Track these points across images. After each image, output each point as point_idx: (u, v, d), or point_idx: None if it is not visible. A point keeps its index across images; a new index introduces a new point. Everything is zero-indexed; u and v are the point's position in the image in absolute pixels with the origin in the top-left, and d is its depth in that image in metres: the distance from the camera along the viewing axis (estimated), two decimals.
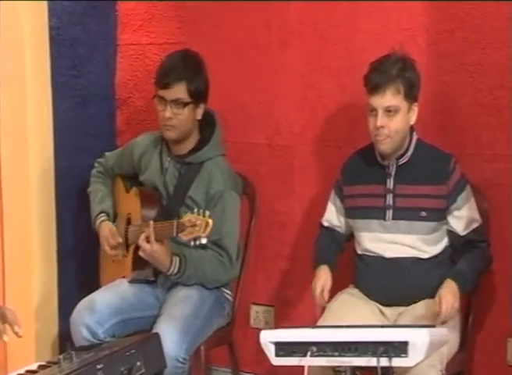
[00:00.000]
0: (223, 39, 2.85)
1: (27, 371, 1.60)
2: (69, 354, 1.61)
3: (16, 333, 1.62)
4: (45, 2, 2.68)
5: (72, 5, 2.86)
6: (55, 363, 1.61)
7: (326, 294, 2.22)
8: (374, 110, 2.18)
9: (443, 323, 2.05)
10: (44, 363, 1.64)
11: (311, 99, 2.73)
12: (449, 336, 1.95)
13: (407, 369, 1.83)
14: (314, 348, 1.71)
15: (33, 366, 1.63)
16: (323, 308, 2.23)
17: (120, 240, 2.53)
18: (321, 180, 2.72)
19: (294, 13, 2.72)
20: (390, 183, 2.26)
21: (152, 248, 2.30)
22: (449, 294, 2.08)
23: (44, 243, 2.73)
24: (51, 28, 2.72)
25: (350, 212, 2.34)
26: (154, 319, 2.37)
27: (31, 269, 2.67)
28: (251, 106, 2.83)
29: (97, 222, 2.58)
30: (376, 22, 2.57)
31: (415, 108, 2.22)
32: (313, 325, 2.07)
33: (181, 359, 2.23)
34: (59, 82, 2.77)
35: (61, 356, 1.61)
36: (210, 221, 2.17)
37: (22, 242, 2.67)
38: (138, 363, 1.62)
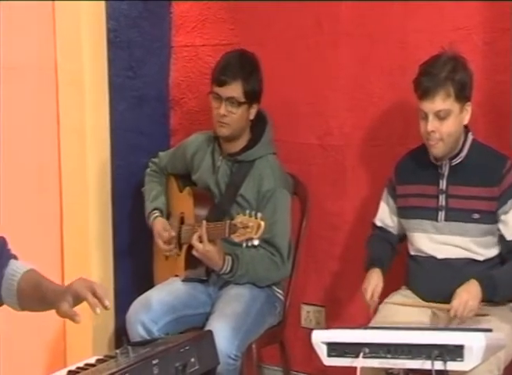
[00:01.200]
0: (275, 39, 2.85)
1: (86, 364, 1.61)
2: (125, 349, 1.62)
3: (105, 307, 1.65)
4: (103, 5, 2.72)
5: (128, 8, 2.90)
6: (112, 357, 1.62)
7: (376, 298, 2.19)
8: (425, 114, 2.15)
9: (460, 322, 1.99)
10: (101, 357, 1.65)
11: (361, 99, 2.70)
12: (506, 340, 1.90)
13: (463, 373, 1.78)
14: (367, 350, 1.69)
15: (92, 360, 1.64)
16: (375, 309, 2.20)
17: (173, 234, 2.56)
18: (372, 180, 2.68)
19: (345, 13, 2.69)
20: (443, 183, 2.22)
21: (205, 248, 2.31)
22: (464, 292, 2.03)
23: (101, 241, 2.77)
24: (108, 30, 2.76)
25: (403, 212, 2.31)
26: (207, 317, 2.39)
27: (89, 267, 2.72)
28: (302, 106, 2.82)
29: (151, 218, 2.62)
30: (430, 21, 2.52)
31: (468, 108, 2.17)
32: (365, 326, 2.05)
33: (233, 356, 2.24)
34: (116, 83, 2.81)
35: (118, 351, 1.61)
36: (262, 223, 2.17)
37: (80, 240, 2.73)
38: (192, 359, 1.61)
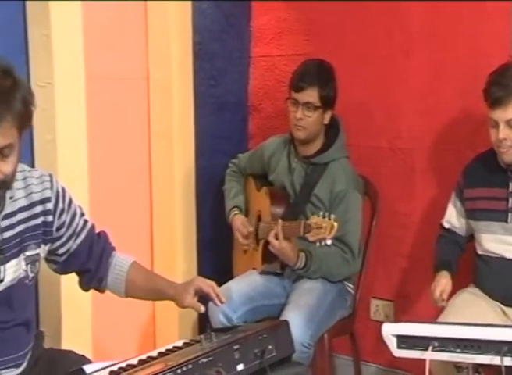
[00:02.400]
0: (348, 49, 2.82)
1: (174, 347, 1.65)
2: (209, 334, 1.65)
3: (222, 302, 1.82)
4: (190, 20, 2.77)
5: (212, 23, 2.94)
6: (197, 342, 1.65)
7: (445, 297, 2.14)
8: (495, 123, 2.08)
9: None
10: (187, 341, 1.69)
11: (431, 105, 2.64)
12: None
13: None
14: (436, 343, 1.65)
15: (179, 343, 1.68)
16: (443, 307, 2.15)
17: (251, 229, 2.58)
18: (440, 182, 2.62)
19: (417, 23, 2.64)
20: None
21: (280, 245, 2.32)
22: None
23: (186, 235, 2.82)
24: (194, 44, 2.80)
25: (471, 214, 2.24)
26: (281, 308, 2.40)
27: (175, 259, 2.77)
28: (374, 111, 2.78)
29: (231, 215, 2.65)
30: (501, 27, 2.44)
31: None
32: (434, 321, 2.00)
33: (306, 345, 2.24)
34: (200, 91, 2.86)
35: (202, 336, 1.64)
36: (335, 224, 2.16)
37: (167, 234, 2.78)
38: (270, 347, 1.62)
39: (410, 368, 2.62)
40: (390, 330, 1.74)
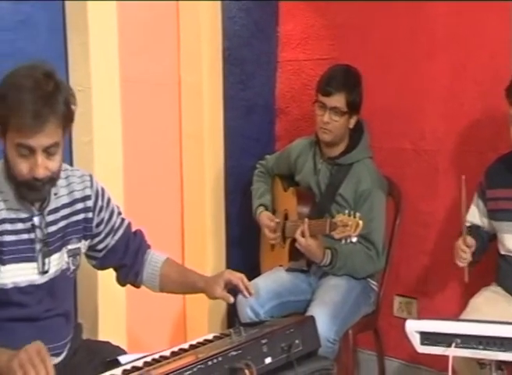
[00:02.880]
0: (372, 53, 2.81)
1: (205, 340, 1.66)
2: (238, 328, 1.65)
3: (250, 294, 1.83)
4: (220, 26, 2.77)
5: (241, 29, 2.95)
6: (226, 335, 1.66)
7: (469, 256, 2.08)
8: None
9: None
10: (217, 335, 1.70)
11: (454, 107, 2.61)
12: None
13: None
14: (459, 340, 1.63)
15: (209, 336, 1.69)
16: (467, 304, 2.12)
17: (278, 220, 2.58)
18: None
19: (439, 26, 2.62)
20: None
21: (307, 243, 2.31)
22: None
23: (215, 233, 2.83)
24: (224, 49, 2.81)
25: (493, 215, 2.21)
26: (307, 304, 2.39)
27: (204, 256, 2.78)
28: (397, 114, 2.76)
29: (258, 212, 2.65)
30: None
31: None
32: (457, 318, 1.98)
33: (331, 340, 2.23)
34: (229, 95, 2.86)
35: (231, 330, 1.65)
36: (360, 222, 2.15)
37: (198, 231, 2.79)
38: (296, 341, 1.62)
39: (432, 364, 2.60)
40: (414, 327, 1.72)
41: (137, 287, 1.93)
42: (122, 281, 1.91)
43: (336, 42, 2.93)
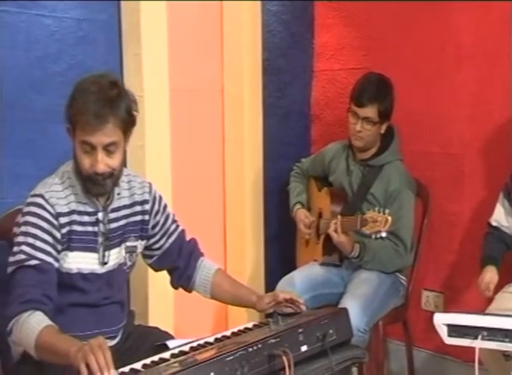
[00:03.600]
0: (402, 63, 2.77)
1: (245, 328, 1.67)
2: (276, 318, 1.65)
3: (301, 309, 1.77)
4: (260, 39, 2.78)
5: (280, 41, 2.95)
6: (265, 324, 1.66)
7: (491, 288, 2.07)
8: None
9: None
10: (257, 323, 1.70)
11: (480, 114, 2.56)
12: None
13: None
14: (485, 333, 1.60)
15: (249, 325, 1.69)
16: (491, 300, 2.08)
17: (313, 218, 2.57)
18: (488, 185, 2.53)
19: (468, 38, 2.57)
20: None
21: (339, 239, 2.31)
22: None
23: (255, 230, 2.83)
24: (263, 60, 2.82)
25: None
26: (339, 296, 2.38)
27: (244, 251, 2.80)
28: (426, 119, 2.72)
29: (294, 209, 2.65)
30: None
31: None
32: (483, 312, 1.94)
33: (362, 330, 2.21)
34: (268, 102, 2.87)
35: (270, 319, 1.65)
36: (389, 218, 2.13)
37: (238, 229, 2.81)
38: (331, 331, 1.61)
39: (458, 354, 2.55)
40: (442, 320, 1.70)
41: (189, 291, 1.92)
42: (175, 284, 1.92)
43: (369, 53, 2.91)
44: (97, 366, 1.30)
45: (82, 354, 1.33)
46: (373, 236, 2.20)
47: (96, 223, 1.71)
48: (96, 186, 1.66)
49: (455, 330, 1.67)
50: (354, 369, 1.68)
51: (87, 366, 1.31)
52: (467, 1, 2.54)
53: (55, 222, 1.64)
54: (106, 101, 1.60)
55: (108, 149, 1.63)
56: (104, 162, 1.62)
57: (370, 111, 2.40)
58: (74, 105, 1.62)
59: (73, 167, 1.70)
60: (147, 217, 1.82)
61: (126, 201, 1.78)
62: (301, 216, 2.61)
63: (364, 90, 2.43)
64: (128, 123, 1.66)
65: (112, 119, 1.60)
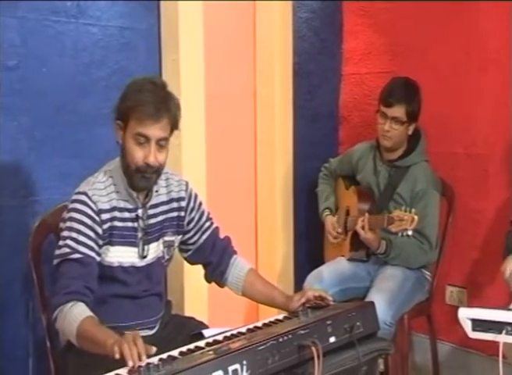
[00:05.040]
0: (428, 67, 2.72)
1: (276, 319, 1.67)
2: (305, 310, 1.66)
3: (328, 304, 1.74)
4: (291, 44, 2.77)
5: (309, 46, 2.93)
6: (295, 316, 1.66)
7: None
8: None
9: None
10: (287, 315, 1.71)
11: (503, 116, 2.51)
12: None
13: None
14: (509, 328, 1.56)
15: (280, 317, 1.69)
16: None
17: (339, 230, 2.55)
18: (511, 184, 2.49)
19: (492, 42, 2.51)
20: None
21: (366, 236, 2.29)
22: None
23: (285, 226, 2.83)
24: (294, 64, 2.81)
25: None
26: (366, 290, 2.36)
27: (275, 246, 2.79)
28: (452, 122, 2.67)
29: (323, 215, 2.63)
30: None
31: None
32: (507, 307, 1.89)
33: (388, 323, 2.19)
34: (298, 105, 2.85)
35: (299, 312, 1.65)
36: (415, 217, 2.11)
37: (269, 226, 2.81)
38: (358, 323, 1.60)
39: (482, 348, 2.50)
40: (466, 314, 1.66)
41: (221, 286, 1.91)
42: (208, 278, 1.91)
43: (395, 57, 2.87)
44: (130, 355, 1.32)
45: (118, 344, 1.35)
46: (399, 234, 2.17)
47: (136, 218, 1.72)
48: (143, 179, 1.66)
49: (479, 324, 1.63)
50: (380, 361, 1.67)
51: (121, 356, 1.33)
52: (492, 1, 2.47)
53: (97, 218, 1.66)
54: (162, 98, 1.62)
55: (160, 144, 1.64)
56: (155, 156, 1.63)
57: (398, 111, 2.36)
58: (130, 100, 1.62)
59: (117, 165, 1.72)
60: (182, 213, 1.82)
61: (164, 198, 1.79)
62: (329, 225, 2.58)
63: (392, 91, 2.40)
64: (175, 124, 1.68)
65: (166, 114, 1.63)
